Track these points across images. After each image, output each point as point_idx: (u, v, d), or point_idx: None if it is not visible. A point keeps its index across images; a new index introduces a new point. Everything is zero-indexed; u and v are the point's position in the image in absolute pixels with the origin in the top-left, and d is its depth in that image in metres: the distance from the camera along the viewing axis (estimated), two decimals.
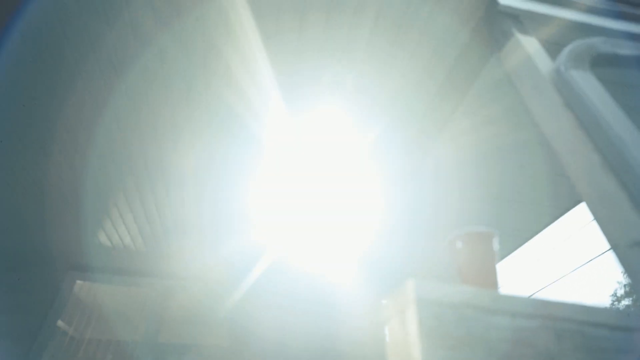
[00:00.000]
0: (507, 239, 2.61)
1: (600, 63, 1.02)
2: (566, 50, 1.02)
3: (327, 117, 1.84)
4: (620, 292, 20.18)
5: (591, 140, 0.84)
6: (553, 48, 1.22)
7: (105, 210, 2.57)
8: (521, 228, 2.51)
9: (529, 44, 1.08)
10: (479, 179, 2.13)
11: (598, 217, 0.81)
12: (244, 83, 1.62)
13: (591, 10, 1.28)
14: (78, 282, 3.07)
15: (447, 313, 0.57)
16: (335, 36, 1.46)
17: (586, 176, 0.81)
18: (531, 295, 0.59)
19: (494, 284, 0.70)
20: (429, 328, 0.55)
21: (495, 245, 0.74)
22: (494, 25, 1.22)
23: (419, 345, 0.54)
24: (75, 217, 2.63)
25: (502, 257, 2.79)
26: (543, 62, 1.02)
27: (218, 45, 1.48)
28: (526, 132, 1.84)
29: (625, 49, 1.02)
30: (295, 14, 1.40)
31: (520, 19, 1.19)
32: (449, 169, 2.08)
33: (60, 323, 3.16)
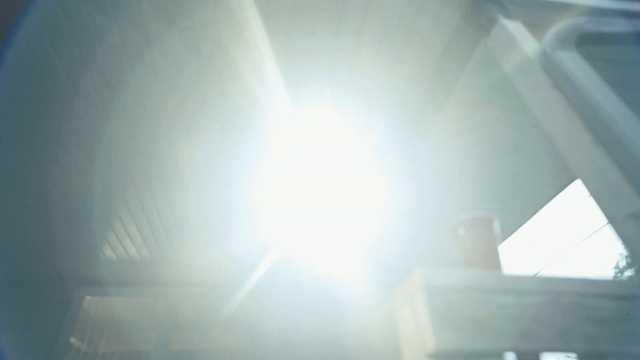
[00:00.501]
0: (507, 221, 2.65)
1: (586, 42, 1.04)
2: (551, 32, 1.04)
3: (327, 114, 1.86)
4: (622, 263, 20.42)
5: (581, 118, 0.86)
6: (538, 31, 1.24)
7: (108, 224, 2.58)
8: (521, 209, 2.55)
9: (515, 29, 1.10)
10: (477, 165, 2.16)
11: (593, 193, 0.84)
12: (250, 81, 1.63)
13: None
14: (87, 297, 3.08)
15: (455, 297, 0.59)
16: (323, 38, 1.48)
17: (579, 154, 0.84)
18: (536, 273, 0.61)
19: (497, 266, 0.72)
20: (439, 313, 0.57)
21: (497, 228, 0.77)
22: (479, 12, 1.24)
23: (430, 330, 0.56)
24: (79, 234, 2.64)
25: (504, 238, 2.83)
26: (529, 45, 1.04)
27: (224, 43, 1.48)
28: (518, 115, 1.86)
29: (609, 27, 1.04)
30: (284, 16, 1.41)
31: (504, 4, 1.20)
32: (446, 158, 2.10)
33: (72, 340, 3.18)
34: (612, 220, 0.80)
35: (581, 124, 0.85)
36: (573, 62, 0.94)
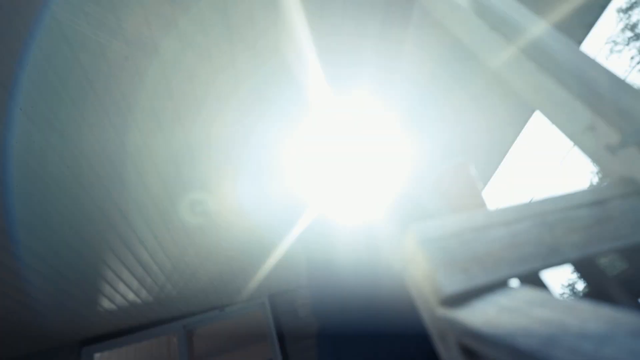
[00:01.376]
0: (483, 165, 2.76)
1: None
2: None
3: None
4: (595, 179, 21.66)
5: (523, 52, 0.91)
6: None
7: (99, 276, 2.49)
8: (493, 151, 2.66)
9: None
10: (439, 121, 2.23)
11: (550, 117, 0.89)
12: (286, 55, 1.53)
13: None
14: (96, 354, 2.99)
15: (451, 242, 0.62)
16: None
17: (529, 84, 0.89)
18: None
19: (482, 205, 0.76)
20: (441, 261, 0.61)
21: (473, 171, 0.81)
22: None
23: (437, 278, 0.59)
24: (71, 294, 2.54)
25: (485, 182, 2.95)
26: None
27: (255, 15, 1.38)
28: (471, 64, 1.93)
29: None
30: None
31: None
32: (412, 119, 2.16)
33: None
34: (572, 138, 0.86)
35: (524, 56, 0.90)
36: (501, 1, 0.98)
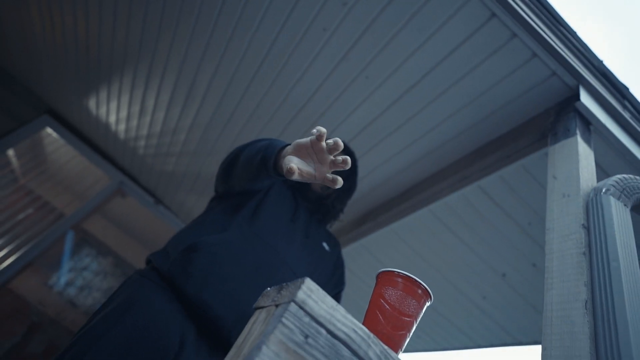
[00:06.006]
0: None
1: None
2: (614, 179, 0.95)
3: None
4: None
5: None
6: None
7: (106, 80, 2.42)
8: None
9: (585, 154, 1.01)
10: None
11: None
12: None
13: None
14: (48, 129, 2.94)
15: None
16: None
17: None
18: None
19: None
20: None
21: None
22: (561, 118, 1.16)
23: None
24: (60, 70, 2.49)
25: None
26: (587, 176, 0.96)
27: None
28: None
29: None
30: None
31: (590, 130, 1.12)
32: None
33: (10, 152, 3.05)
34: None
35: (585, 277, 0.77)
36: (617, 215, 0.85)
